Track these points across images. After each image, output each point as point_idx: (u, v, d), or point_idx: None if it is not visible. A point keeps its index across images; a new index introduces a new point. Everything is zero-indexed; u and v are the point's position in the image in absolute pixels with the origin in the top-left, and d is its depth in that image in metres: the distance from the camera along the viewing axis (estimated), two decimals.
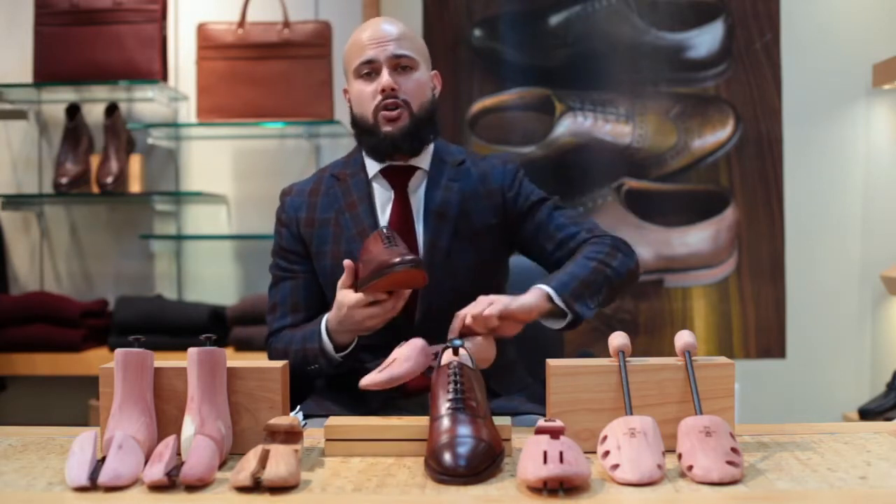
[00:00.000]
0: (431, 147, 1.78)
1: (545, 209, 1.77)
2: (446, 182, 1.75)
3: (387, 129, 1.69)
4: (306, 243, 1.77)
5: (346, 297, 1.57)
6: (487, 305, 1.51)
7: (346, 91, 1.79)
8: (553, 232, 1.75)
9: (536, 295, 1.56)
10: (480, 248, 1.74)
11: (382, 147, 1.71)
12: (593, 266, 1.64)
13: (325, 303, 1.76)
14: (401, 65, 1.71)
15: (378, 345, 1.65)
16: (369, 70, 1.71)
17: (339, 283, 1.60)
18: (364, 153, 1.78)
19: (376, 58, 1.69)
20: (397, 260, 1.50)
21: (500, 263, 1.80)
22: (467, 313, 1.51)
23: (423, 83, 1.74)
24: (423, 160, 1.76)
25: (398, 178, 1.75)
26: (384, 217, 1.74)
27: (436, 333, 1.53)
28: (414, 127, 1.70)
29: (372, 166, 1.76)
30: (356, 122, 1.75)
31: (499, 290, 1.71)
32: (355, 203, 1.74)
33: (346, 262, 1.59)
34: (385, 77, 1.69)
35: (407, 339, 1.54)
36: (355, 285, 1.58)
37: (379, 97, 1.69)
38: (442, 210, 1.73)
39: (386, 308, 1.57)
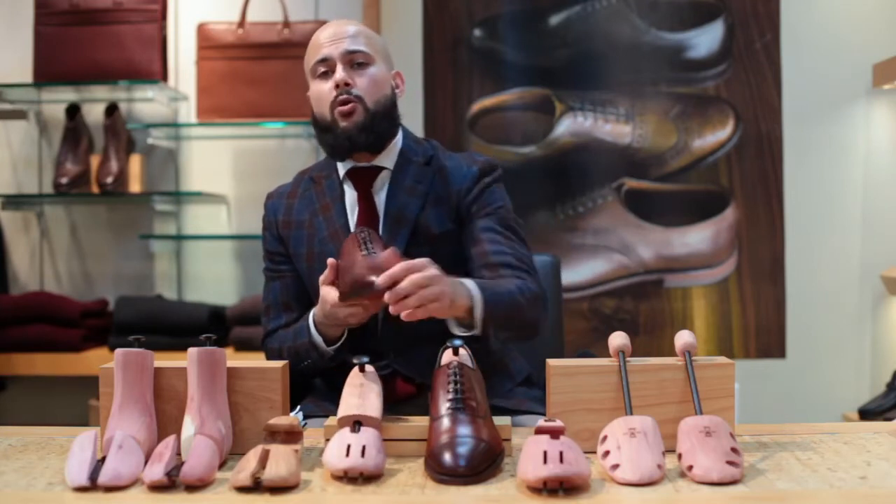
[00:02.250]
0: (398, 146, 1.75)
1: (490, 220, 1.72)
2: (410, 183, 1.72)
3: (343, 124, 1.67)
4: (286, 244, 1.77)
5: (328, 294, 1.55)
6: (434, 299, 1.43)
7: (308, 97, 1.77)
8: (486, 246, 1.69)
9: (465, 299, 1.52)
10: (439, 254, 1.63)
11: (340, 144, 1.69)
12: (519, 301, 1.60)
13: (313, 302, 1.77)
14: (355, 61, 1.69)
15: (359, 346, 1.65)
16: (325, 69, 1.70)
17: (321, 279, 1.58)
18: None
19: (330, 55, 1.69)
20: (372, 279, 1.44)
21: (460, 271, 1.67)
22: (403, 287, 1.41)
23: (378, 79, 1.71)
24: (388, 159, 1.74)
25: (362, 180, 1.73)
26: (353, 219, 1.73)
27: (398, 338, 1.56)
28: (369, 121, 1.67)
29: (341, 167, 1.76)
30: (316, 122, 1.73)
31: None
32: (329, 205, 1.74)
33: (330, 261, 1.56)
34: (339, 73, 1.67)
35: (388, 347, 1.60)
36: (336, 283, 1.55)
37: (334, 93, 1.68)
38: (399, 214, 1.70)
39: (367, 307, 1.55)
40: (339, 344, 1.64)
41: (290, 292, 1.77)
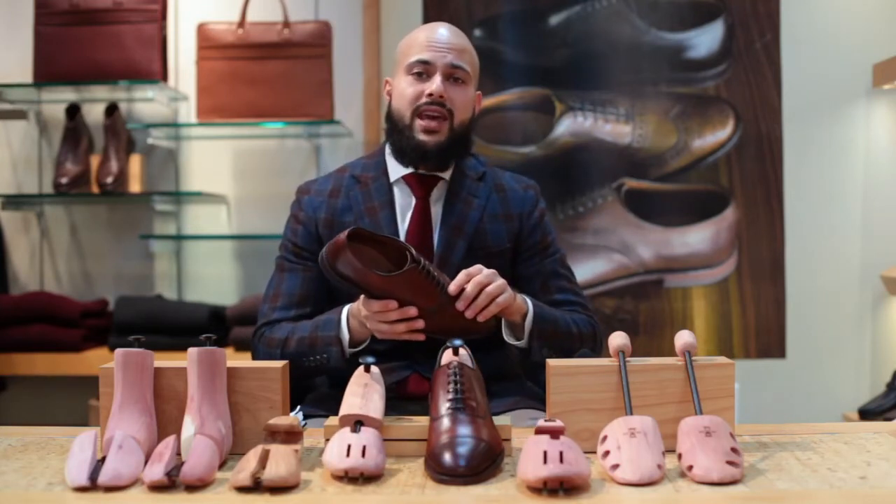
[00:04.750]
0: None
1: (553, 262, 1.80)
2: (466, 195, 1.75)
3: (422, 137, 1.69)
4: (323, 243, 1.75)
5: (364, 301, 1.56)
6: (498, 293, 1.53)
7: (387, 82, 1.79)
8: (553, 289, 1.77)
9: (523, 304, 1.63)
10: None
11: (410, 153, 1.70)
12: (574, 332, 1.72)
13: (332, 302, 1.76)
14: (455, 76, 1.71)
15: (386, 350, 1.65)
16: (422, 70, 1.70)
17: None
18: (388, 153, 1.77)
19: (433, 61, 1.69)
20: (484, 331, 1.56)
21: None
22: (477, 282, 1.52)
23: (469, 99, 1.74)
24: (446, 171, 1.77)
25: (422, 187, 1.74)
26: (404, 224, 1.73)
27: (433, 343, 1.53)
28: (449, 142, 1.70)
29: (394, 171, 1.76)
30: (391, 116, 1.74)
31: None
32: (376, 208, 1.73)
33: (389, 303, 1.53)
34: (437, 82, 1.68)
35: (414, 347, 1.59)
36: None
37: (424, 99, 1.68)
38: (458, 224, 1.72)
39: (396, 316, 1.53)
40: (359, 348, 1.63)
41: (310, 288, 1.75)
